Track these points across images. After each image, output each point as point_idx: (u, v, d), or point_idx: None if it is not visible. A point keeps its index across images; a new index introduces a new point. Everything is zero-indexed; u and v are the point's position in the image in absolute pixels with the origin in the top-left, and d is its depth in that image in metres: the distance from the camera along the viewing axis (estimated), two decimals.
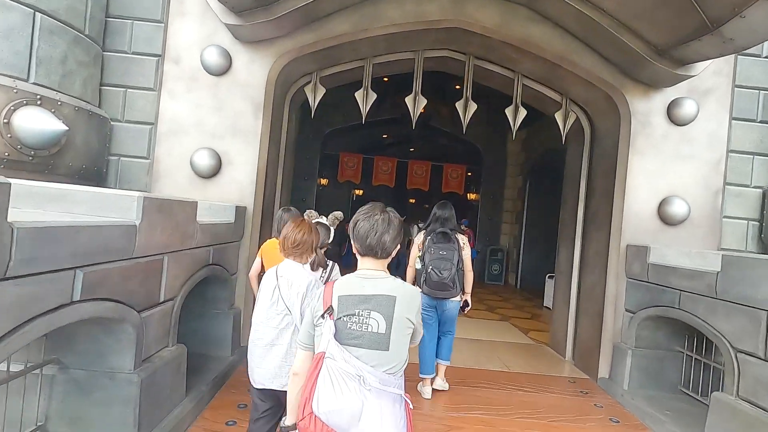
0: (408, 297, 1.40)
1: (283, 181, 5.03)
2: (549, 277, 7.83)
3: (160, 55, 4.07)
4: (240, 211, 3.93)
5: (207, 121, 4.10)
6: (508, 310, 7.94)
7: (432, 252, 3.41)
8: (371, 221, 1.42)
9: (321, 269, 2.63)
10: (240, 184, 4.11)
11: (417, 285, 3.48)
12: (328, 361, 1.30)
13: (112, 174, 4.04)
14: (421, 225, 13.57)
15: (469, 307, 3.67)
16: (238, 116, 4.12)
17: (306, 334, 1.44)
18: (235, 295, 4.02)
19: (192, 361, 3.04)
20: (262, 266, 2.96)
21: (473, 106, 4.85)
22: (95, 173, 3.76)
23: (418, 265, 3.54)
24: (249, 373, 2.12)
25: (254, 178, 4.12)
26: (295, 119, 5.44)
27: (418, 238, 3.63)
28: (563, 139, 5.01)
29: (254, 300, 2.29)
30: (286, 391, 1.53)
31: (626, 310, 4.15)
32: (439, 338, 3.69)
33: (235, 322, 3.91)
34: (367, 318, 1.35)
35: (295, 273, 2.05)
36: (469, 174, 13.13)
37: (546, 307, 8.11)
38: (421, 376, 3.60)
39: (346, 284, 1.42)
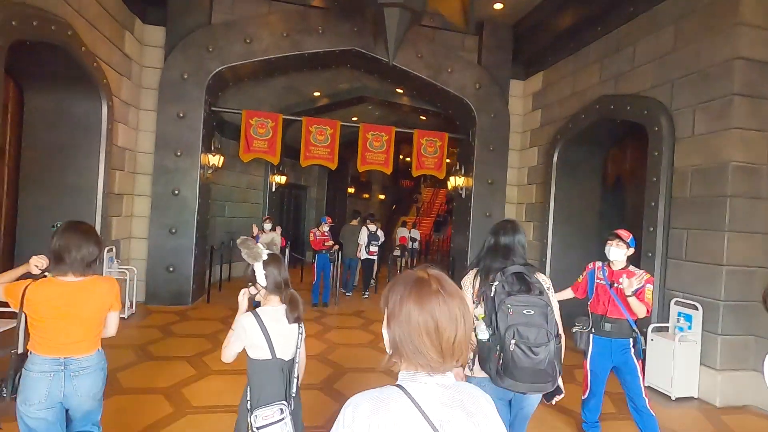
0: None
1: None
2: None
3: None
4: None
5: None
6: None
7: (511, 311, 1.84)
8: None
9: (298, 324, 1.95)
10: None
11: (480, 366, 1.95)
12: None
13: None
14: (371, 225, 8.11)
15: (561, 395, 2.01)
16: None
17: None
18: None
19: None
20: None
21: None
22: None
23: (484, 335, 1.92)
24: None
25: None
26: None
27: (468, 281, 2.09)
28: None
29: None
30: None
31: None
32: None
33: None
34: None
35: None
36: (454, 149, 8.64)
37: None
38: None
39: None
